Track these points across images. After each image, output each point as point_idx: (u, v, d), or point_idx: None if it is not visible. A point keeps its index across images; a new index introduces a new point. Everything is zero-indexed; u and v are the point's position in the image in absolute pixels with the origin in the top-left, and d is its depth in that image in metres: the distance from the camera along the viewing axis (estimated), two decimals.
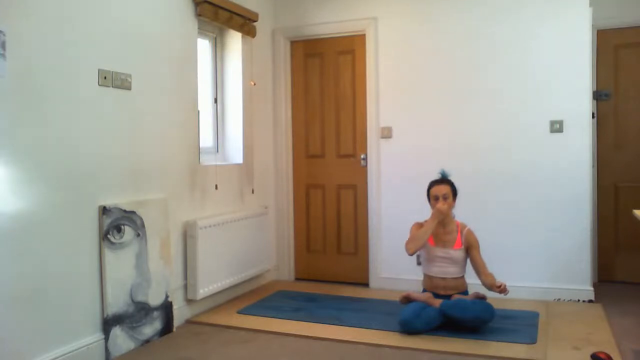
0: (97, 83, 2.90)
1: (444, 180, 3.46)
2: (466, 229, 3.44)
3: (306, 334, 3.26)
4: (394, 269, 4.30)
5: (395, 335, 3.21)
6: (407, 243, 3.38)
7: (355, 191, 4.53)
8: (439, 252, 3.40)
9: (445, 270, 3.39)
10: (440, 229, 3.43)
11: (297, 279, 4.71)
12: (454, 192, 3.45)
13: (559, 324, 3.37)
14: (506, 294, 3.26)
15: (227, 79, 4.24)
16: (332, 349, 3.05)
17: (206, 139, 4.05)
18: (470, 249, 3.39)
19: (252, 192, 4.31)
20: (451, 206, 3.42)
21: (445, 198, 3.38)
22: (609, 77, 4.41)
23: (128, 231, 3.06)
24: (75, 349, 2.75)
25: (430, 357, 2.90)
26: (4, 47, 2.40)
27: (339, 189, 4.59)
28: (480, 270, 3.36)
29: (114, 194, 3.02)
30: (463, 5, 4.10)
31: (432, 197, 3.43)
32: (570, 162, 3.88)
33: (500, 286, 3.22)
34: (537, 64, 3.93)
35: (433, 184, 3.47)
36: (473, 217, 3.70)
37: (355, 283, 4.50)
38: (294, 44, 4.69)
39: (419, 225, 3.44)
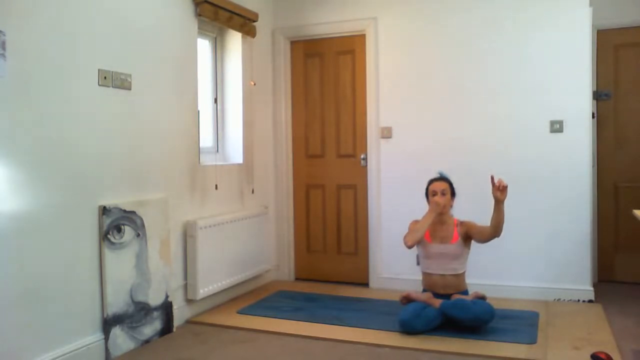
0: (97, 83, 2.90)
1: (442, 178, 3.49)
2: (462, 221, 3.44)
3: (306, 334, 3.26)
4: (394, 269, 4.30)
5: (395, 335, 3.21)
6: (405, 236, 3.40)
7: (355, 191, 4.53)
8: (436, 248, 3.40)
9: (444, 266, 3.39)
10: (438, 226, 3.44)
11: (297, 279, 4.71)
12: (452, 192, 3.48)
13: (559, 324, 3.37)
14: (504, 187, 3.15)
15: (227, 79, 4.24)
16: (332, 349, 3.05)
17: (206, 139, 4.05)
18: (470, 229, 3.37)
19: (252, 192, 4.31)
20: (449, 203, 3.44)
21: (443, 194, 3.40)
22: (609, 77, 4.41)
23: (128, 231, 3.06)
24: (75, 349, 2.75)
25: (430, 357, 2.90)
26: (4, 47, 2.40)
27: (339, 189, 4.58)
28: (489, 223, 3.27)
29: (114, 194, 3.02)
30: (463, 5, 4.10)
31: (430, 193, 3.46)
32: (570, 162, 3.88)
33: (497, 184, 3.16)
34: (537, 64, 3.93)
35: (432, 181, 3.51)
36: (473, 217, 3.69)
37: (355, 283, 4.50)
38: (294, 44, 4.68)
39: (417, 223, 3.44)
